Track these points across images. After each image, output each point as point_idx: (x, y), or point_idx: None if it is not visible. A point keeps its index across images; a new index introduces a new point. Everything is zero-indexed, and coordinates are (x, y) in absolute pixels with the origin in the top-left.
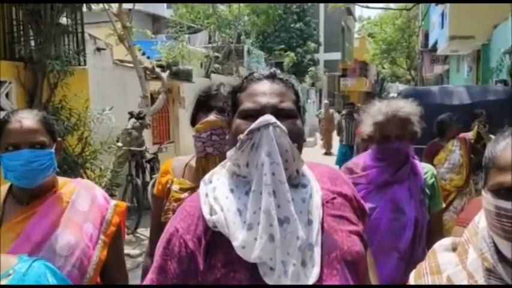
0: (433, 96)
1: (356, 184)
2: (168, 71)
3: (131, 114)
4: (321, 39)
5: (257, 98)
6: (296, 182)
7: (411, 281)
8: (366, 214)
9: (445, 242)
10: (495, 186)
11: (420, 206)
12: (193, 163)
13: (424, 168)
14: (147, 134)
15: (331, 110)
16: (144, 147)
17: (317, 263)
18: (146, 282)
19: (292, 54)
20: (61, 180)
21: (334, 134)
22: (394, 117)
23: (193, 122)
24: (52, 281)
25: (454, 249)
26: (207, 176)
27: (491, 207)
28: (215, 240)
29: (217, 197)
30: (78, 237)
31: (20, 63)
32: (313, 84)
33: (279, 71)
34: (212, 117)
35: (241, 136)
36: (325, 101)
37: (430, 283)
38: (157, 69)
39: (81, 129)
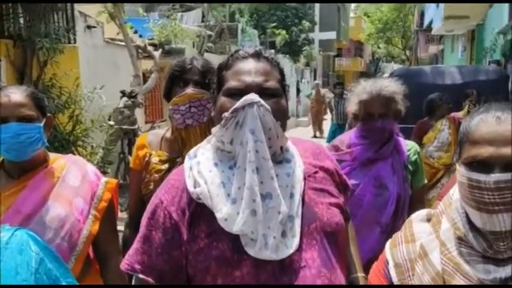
0: (425, 76)
1: (341, 161)
2: (160, 50)
3: (123, 93)
4: (316, 19)
5: (242, 76)
6: (280, 158)
7: (387, 249)
8: (348, 188)
9: (421, 213)
10: (468, 159)
11: (403, 182)
12: (168, 135)
13: (408, 146)
14: (139, 113)
15: (322, 91)
16: (136, 126)
17: (297, 234)
18: (131, 251)
19: (284, 32)
20: (52, 156)
21: (326, 117)
22: (378, 96)
23: (168, 95)
24: (35, 249)
25: (428, 220)
26: (192, 151)
27: (464, 179)
28: (198, 212)
29: (201, 170)
30: (68, 211)
31: (9, 41)
32: (307, 64)
33: (264, 50)
34: (190, 90)
35: (226, 114)
36: (316, 81)
37: (404, 251)
38: (150, 48)
39: (71, 107)
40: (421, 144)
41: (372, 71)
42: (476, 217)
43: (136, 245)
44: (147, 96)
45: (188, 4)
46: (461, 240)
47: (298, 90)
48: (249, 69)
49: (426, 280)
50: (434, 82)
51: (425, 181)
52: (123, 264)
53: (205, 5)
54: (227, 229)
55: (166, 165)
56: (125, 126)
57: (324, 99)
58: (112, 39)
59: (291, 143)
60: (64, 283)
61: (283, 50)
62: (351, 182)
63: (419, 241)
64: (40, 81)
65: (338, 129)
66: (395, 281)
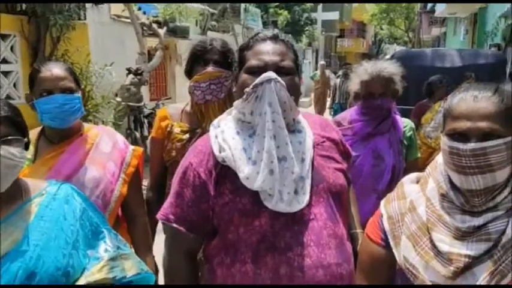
0: (425, 59)
1: (343, 135)
2: (165, 28)
3: (129, 70)
4: None
5: (261, 56)
6: (293, 128)
7: (382, 205)
8: (350, 156)
9: (411, 176)
10: (450, 131)
11: (398, 154)
12: (188, 109)
13: (404, 123)
14: (144, 91)
15: (327, 72)
16: (142, 103)
17: (307, 192)
18: (165, 205)
19: (286, 12)
20: (86, 125)
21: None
22: (378, 77)
23: (190, 73)
24: (78, 199)
25: (417, 182)
26: (215, 121)
27: (446, 148)
28: (223, 173)
29: (225, 138)
30: (102, 173)
31: (24, 17)
32: (309, 44)
33: (281, 33)
34: (210, 68)
35: (247, 89)
36: (321, 61)
37: (396, 206)
38: (154, 26)
39: (83, 83)
40: (419, 124)
41: (374, 53)
42: (455, 178)
43: (169, 199)
44: (151, 74)
45: None
46: (443, 197)
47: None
48: (268, 50)
49: (413, 229)
50: (434, 65)
51: (419, 154)
52: (159, 215)
53: None
54: (249, 186)
55: (187, 135)
56: (131, 103)
57: (329, 81)
58: (118, 16)
59: (301, 116)
60: (103, 229)
61: (285, 30)
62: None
63: (409, 198)
64: (53, 57)
65: (340, 109)
66: (388, 230)
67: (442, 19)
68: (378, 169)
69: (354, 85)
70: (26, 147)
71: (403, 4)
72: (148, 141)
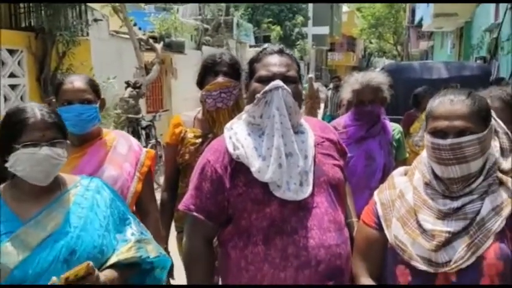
0: (413, 71)
1: None
2: (161, 43)
3: (128, 84)
4: (310, 13)
5: (270, 67)
6: (297, 129)
7: (375, 194)
8: (346, 154)
9: (400, 169)
10: (431, 130)
11: (388, 155)
12: (199, 116)
13: (393, 127)
14: (142, 103)
15: (316, 85)
16: (140, 115)
17: (310, 184)
18: (186, 197)
19: (279, 28)
20: (105, 130)
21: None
22: (367, 86)
23: (201, 84)
24: (107, 191)
25: (405, 174)
26: (228, 125)
27: (429, 143)
28: (237, 168)
29: (238, 138)
30: (119, 172)
31: (32, 34)
32: (301, 58)
33: (285, 47)
34: (220, 79)
35: (258, 95)
36: (309, 75)
37: (387, 194)
38: (151, 41)
39: None
40: (408, 133)
41: (363, 66)
42: (437, 168)
43: (190, 192)
44: (148, 87)
45: None
46: (427, 185)
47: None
48: (275, 62)
49: (402, 212)
50: (422, 77)
51: (407, 155)
52: (181, 206)
53: None
54: (260, 179)
55: (199, 140)
56: (130, 115)
57: (318, 94)
58: (116, 31)
59: (304, 120)
60: (129, 216)
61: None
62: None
63: (399, 187)
64: (58, 71)
65: (331, 120)
66: (381, 214)
67: (429, 33)
68: (370, 168)
69: (346, 94)
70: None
71: (392, 19)
72: (163, 147)
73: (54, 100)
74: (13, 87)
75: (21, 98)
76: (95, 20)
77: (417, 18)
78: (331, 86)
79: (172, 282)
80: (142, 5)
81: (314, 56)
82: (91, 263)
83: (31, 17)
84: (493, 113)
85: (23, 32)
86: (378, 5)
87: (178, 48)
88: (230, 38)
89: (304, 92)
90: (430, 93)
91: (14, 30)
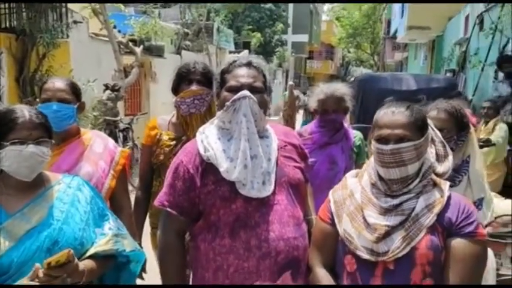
0: (384, 82)
1: (304, 144)
2: (141, 46)
3: (106, 86)
4: (290, 21)
5: (238, 78)
6: (262, 134)
7: (330, 193)
8: (307, 158)
9: (352, 172)
10: (376, 137)
11: (349, 159)
12: (174, 120)
13: (354, 134)
14: (120, 106)
15: (296, 92)
16: (118, 118)
17: (272, 183)
18: (161, 194)
19: (259, 35)
20: (83, 130)
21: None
22: (331, 96)
23: (176, 90)
24: (87, 188)
25: (356, 176)
26: (200, 129)
27: (374, 149)
28: (207, 168)
29: (209, 141)
30: (95, 169)
31: (12, 35)
32: (280, 65)
33: (254, 60)
34: (194, 87)
35: (227, 103)
36: (290, 82)
37: (340, 194)
38: (131, 44)
39: None
40: None
41: (342, 74)
42: (381, 171)
43: (164, 190)
44: (127, 90)
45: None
46: (373, 185)
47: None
48: (243, 74)
49: (351, 209)
50: (392, 88)
51: (366, 160)
52: (156, 202)
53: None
54: (227, 178)
55: (173, 142)
56: (108, 117)
57: (298, 101)
58: (96, 34)
59: (269, 126)
60: (107, 213)
61: (257, 51)
62: (310, 159)
63: (350, 188)
64: (38, 72)
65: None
66: (334, 211)
67: (404, 44)
68: (333, 172)
69: (312, 103)
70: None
71: (369, 29)
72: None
73: (36, 100)
74: None
75: (0, 98)
76: (75, 22)
77: (392, 30)
78: (308, 93)
79: (144, 275)
80: (123, 7)
81: (293, 63)
82: (72, 251)
83: (12, 19)
84: (430, 123)
85: (3, 34)
86: (356, 15)
87: (158, 52)
88: (210, 44)
89: (283, 99)
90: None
91: None
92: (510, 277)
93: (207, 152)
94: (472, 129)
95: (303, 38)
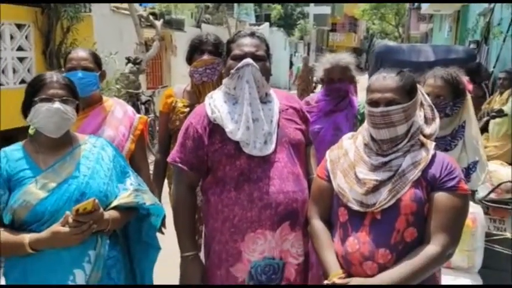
0: (402, 53)
1: (310, 112)
2: (161, 20)
3: (128, 60)
4: None
5: (242, 47)
6: (265, 100)
7: (327, 153)
8: (308, 121)
9: (349, 134)
10: (368, 100)
11: (353, 127)
12: (188, 88)
13: (358, 102)
14: (142, 79)
15: (311, 65)
16: (140, 90)
17: (273, 143)
18: (173, 152)
19: (279, 7)
20: (105, 98)
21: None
22: (337, 65)
23: (189, 60)
24: (110, 148)
25: (352, 137)
26: (209, 94)
27: (366, 111)
28: (214, 128)
29: (216, 105)
30: (115, 133)
31: (38, 9)
32: (301, 38)
33: (257, 31)
34: (205, 57)
35: (232, 71)
36: (304, 54)
37: (336, 153)
38: (151, 18)
39: None
40: None
41: (365, 47)
42: (372, 131)
43: (176, 148)
44: (148, 64)
45: None
46: (365, 145)
47: (291, 64)
48: (246, 43)
49: (345, 166)
50: (410, 59)
51: None
52: (169, 159)
53: None
54: (232, 138)
55: (187, 109)
56: (130, 90)
57: (312, 74)
58: (117, 8)
59: (272, 91)
60: (128, 170)
61: (278, 23)
62: (316, 126)
63: (345, 148)
64: (63, 45)
65: None
66: (329, 169)
67: (429, 16)
68: (337, 138)
69: (319, 72)
70: (77, 110)
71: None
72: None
73: (62, 70)
74: (21, 59)
75: (28, 70)
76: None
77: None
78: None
79: (164, 230)
80: None
81: (315, 36)
82: (96, 200)
83: None
84: (420, 88)
85: (30, 7)
86: None
87: (178, 25)
88: (230, 17)
89: (298, 74)
90: (417, 75)
91: (21, 5)
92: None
93: (213, 114)
94: (468, 95)
95: (326, 10)
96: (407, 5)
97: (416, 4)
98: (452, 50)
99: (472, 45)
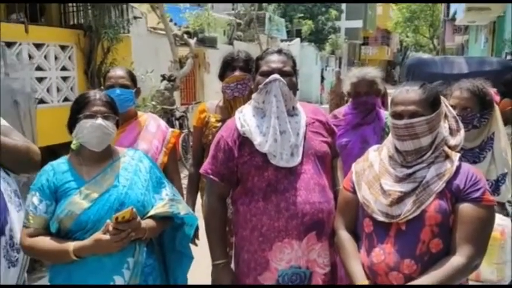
0: (435, 66)
1: (338, 125)
2: (195, 38)
3: (163, 77)
4: (343, 7)
5: (270, 64)
6: (292, 113)
7: (353, 165)
8: (334, 133)
9: (374, 146)
10: (392, 113)
11: (381, 140)
12: (221, 104)
13: (385, 115)
14: (176, 95)
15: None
16: (175, 106)
17: (300, 155)
18: (205, 164)
19: (310, 22)
20: (139, 113)
21: None
22: (363, 79)
23: (222, 77)
24: (147, 160)
25: (377, 150)
26: (239, 109)
27: (391, 124)
28: (244, 141)
29: (245, 119)
30: (149, 146)
31: (80, 31)
32: (333, 52)
33: (284, 48)
34: (237, 73)
35: (260, 86)
36: (336, 68)
37: (361, 166)
38: (185, 36)
39: None
40: None
41: (399, 60)
42: (397, 143)
43: (208, 160)
44: (182, 80)
45: None
46: (390, 158)
47: (322, 78)
48: (274, 60)
49: (370, 178)
50: (442, 72)
51: None
52: (201, 170)
53: None
54: (260, 150)
55: (220, 124)
56: (165, 106)
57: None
58: (154, 28)
59: (299, 105)
60: (164, 181)
61: (309, 39)
62: (344, 139)
63: (370, 160)
64: (103, 65)
65: None
66: (355, 181)
67: (464, 27)
68: (364, 151)
69: (345, 86)
70: (117, 125)
71: (428, 11)
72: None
73: (101, 88)
74: (64, 79)
75: (71, 89)
76: (135, 18)
77: (451, 12)
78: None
79: (197, 241)
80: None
81: (347, 50)
82: (134, 208)
83: (79, 16)
84: (444, 100)
85: (73, 30)
86: None
87: (211, 43)
88: (262, 33)
89: (331, 88)
90: (441, 89)
91: (65, 28)
92: None
93: (243, 128)
94: (496, 107)
95: (357, 23)
96: (441, 16)
97: (451, 15)
98: (486, 62)
99: (508, 57)
